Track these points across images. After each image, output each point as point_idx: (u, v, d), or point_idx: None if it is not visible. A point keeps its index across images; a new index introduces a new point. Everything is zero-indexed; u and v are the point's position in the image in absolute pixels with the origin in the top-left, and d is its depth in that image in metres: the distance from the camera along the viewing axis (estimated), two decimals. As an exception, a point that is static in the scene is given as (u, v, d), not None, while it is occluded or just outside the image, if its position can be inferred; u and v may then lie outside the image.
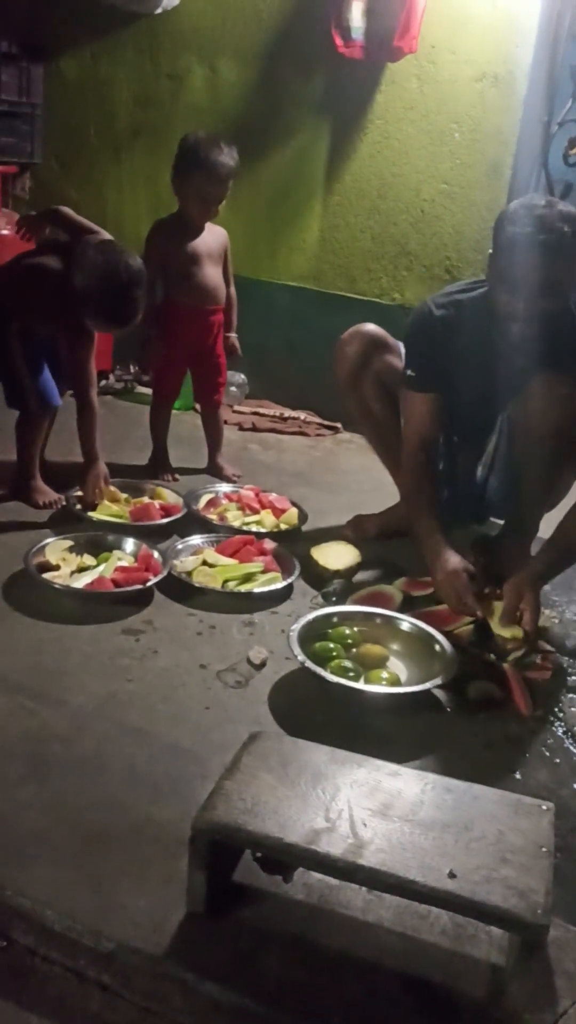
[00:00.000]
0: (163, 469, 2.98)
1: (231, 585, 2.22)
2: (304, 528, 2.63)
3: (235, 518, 2.60)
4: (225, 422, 3.21)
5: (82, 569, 2.18)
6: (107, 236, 2.52)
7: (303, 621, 1.97)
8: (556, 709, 1.90)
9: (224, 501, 2.71)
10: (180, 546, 2.36)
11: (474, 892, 1.09)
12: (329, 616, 2.05)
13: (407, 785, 1.28)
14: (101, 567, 2.18)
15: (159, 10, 3.61)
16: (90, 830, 1.38)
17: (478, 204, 3.48)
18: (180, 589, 2.19)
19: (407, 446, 2.36)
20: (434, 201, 3.54)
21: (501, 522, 2.56)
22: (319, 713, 1.78)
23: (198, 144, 2.67)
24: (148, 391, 3.40)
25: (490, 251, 2.11)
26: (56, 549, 2.23)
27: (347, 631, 2.01)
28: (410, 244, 3.62)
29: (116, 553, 2.26)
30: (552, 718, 1.86)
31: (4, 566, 2.18)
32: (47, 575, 2.12)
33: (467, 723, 1.82)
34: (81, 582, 2.11)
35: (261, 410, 3.80)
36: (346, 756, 1.33)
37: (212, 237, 2.85)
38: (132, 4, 3.62)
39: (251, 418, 3.72)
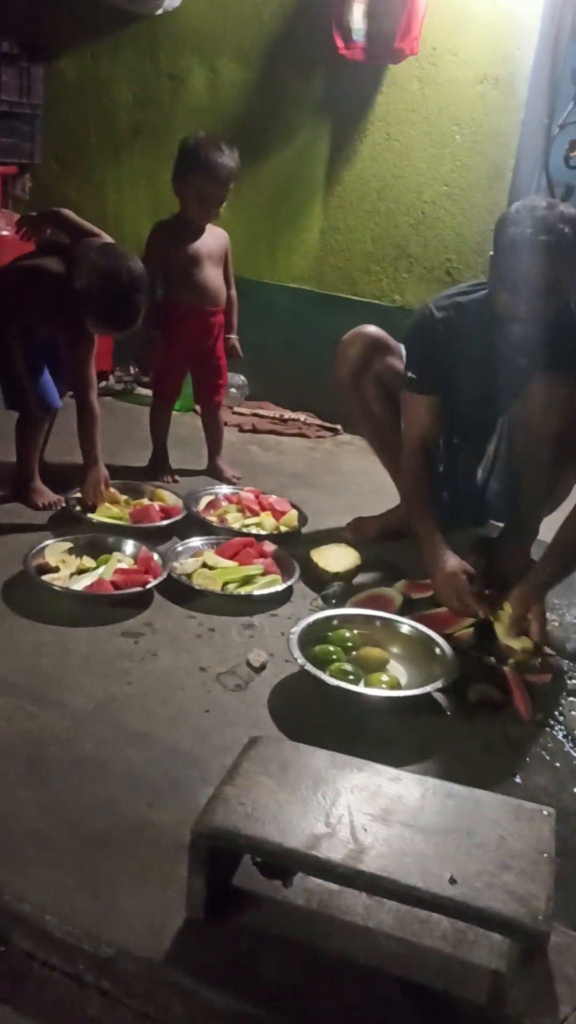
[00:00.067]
0: (163, 471, 2.98)
1: (231, 587, 2.21)
2: (304, 530, 2.63)
3: (235, 520, 2.59)
4: (225, 423, 3.20)
5: (81, 571, 2.18)
6: (108, 239, 2.52)
7: (303, 624, 1.97)
8: (556, 712, 1.89)
9: (224, 503, 2.70)
10: (180, 548, 2.36)
11: (475, 898, 1.09)
12: (329, 619, 2.04)
13: (408, 790, 1.27)
14: (101, 569, 2.18)
15: (160, 11, 3.61)
16: (89, 833, 1.37)
17: (479, 206, 3.48)
18: (180, 591, 2.18)
19: (407, 447, 2.35)
20: (435, 203, 3.54)
21: (501, 524, 2.56)
22: (319, 716, 1.78)
23: (198, 145, 2.67)
24: (148, 392, 3.39)
25: (491, 253, 2.11)
26: (56, 551, 2.22)
27: (347, 634, 2.01)
28: (411, 246, 3.62)
29: (116, 555, 2.26)
30: (552, 721, 1.86)
31: (3, 568, 2.18)
32: (46, 577, 2.12)
33: (467, 726, 1.81)
34: (80, 584, 2.11)
35: (261, 411, 3.79)
36: (346, 760, 1.33)
37: (213, 239, 2.85)
38: (133, 5, 3.62)
39: (251, 419, 3.71)
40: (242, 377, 3.83)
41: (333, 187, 3.67)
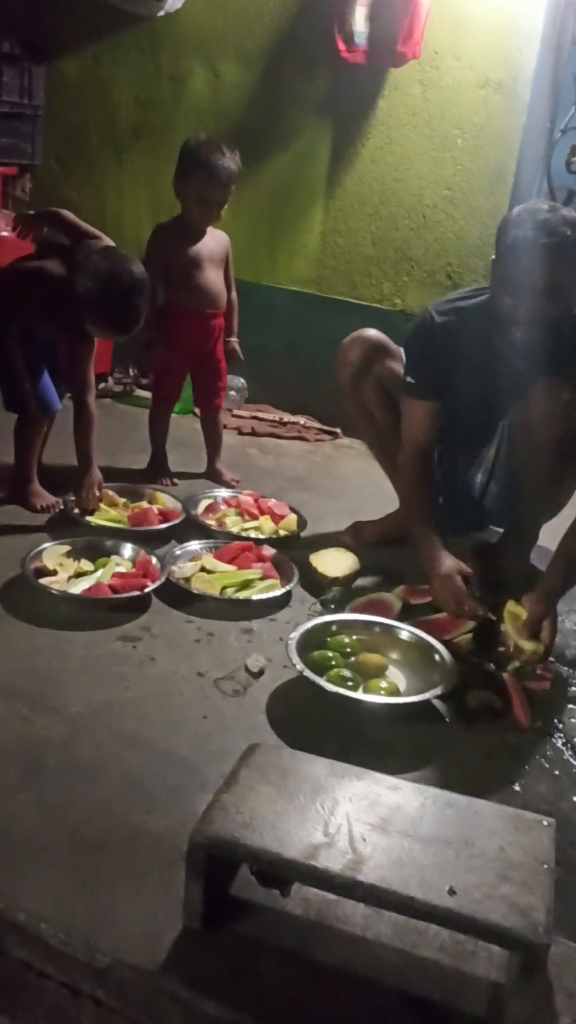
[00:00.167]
0: (162, 473, 2.97)
1: (229, 592, 2.20)
2: (303, 534, 2.62)
3: (234, 524, 2.58)
4: (224, 426, 3.20)
5: (79, 574, 2.17)
6: (108, 241, 2.51)
7: (302, 629, 1.96)
8: (556, 720, 1.88)
9: (223, 506, 2.69)
10: (178, 552, 2.35)
11: (474, 910, 1.08)
12: (328, 624, 2.03)
13: (407, 799, 1.26)
14: (99, 572, 2.17)
15: (162, 12, 3.60)
16: (86, 840, 1.36)
17: (480, 210, 3.48)
18: (178, 595, 2.17)
19: (404, 452, 2.36)
20: (436, 207, 3.54)
21: (501, 530, 2.55)
22: (317, 722, 1.77)
23: (200, 147, 2.66)
24: (147, 394, 3.39)
25: (492, 257, 2.10)
26: (53, 554, 2.21)
27: (346, 640, 2.00)
28: (412, 249, 3.62)
29: (114, 558, 2.25)
30: (552, 729, 1.85)
31: (1, 571, 2.17)
32: (44, 580, 2.11)
33: (466, 733, 1.80)
34: (78, 587, 2.10)
35: (260, 414, 3.79)
36: (345, 769, 1.32)
37: (214, 241, 2.85)
38: (134, 6, 3.61)
39: (250, 422, 3.70)
40: (241, 380, 3.83)
41: (334, 190, 3.67)
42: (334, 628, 2.03)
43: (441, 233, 3.56)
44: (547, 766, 1.73)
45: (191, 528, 2.54)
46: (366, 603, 2.20)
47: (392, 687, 1.86)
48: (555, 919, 1.11)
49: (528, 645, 1.95)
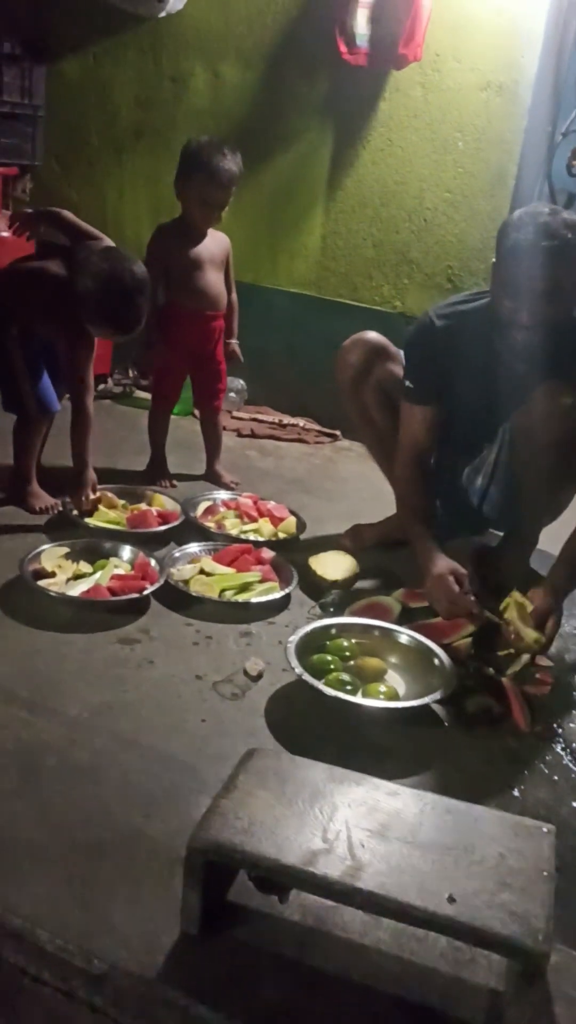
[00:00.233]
0: (161, 475, 2.96)
1: (228, 594, 2.20)
2: (302, 537, 2.61)
3: (233, 526, 2.58)
4: (224, 428, 3.19)
5: (78, 576, 2.16)
6: (109, 242, 2.50)
7: (301, 633, 1.95)
8: (555, 725, 1.88)
9: (222, 509, 2.69)
10: (177, 554, 2.34)
11: (474, 918, 1.07)
12: (327, 628, 2.03)
13: (406, 805, 1.25)
14: (97, 575, 2.16)
15: (163, 13, 3.60)
16: (83, 845, 1.35)
17: (481, 213, 3.47)
18: (177, 598, 2.16)
19: (401, 456, 2.36)
20: (437, 209, 3.53)
21: (501, 534, 2.54)
22: (316, 726, 1.76)
23: (201, 149, 2.66)
24: (147, 395, 3.38)
25: (493, 260, 2.10)
26: (52, 556, 2.21)
27: (345, 643, 1.99)
28: (412, 252, 3.61)
29: (113, 560, 2.24)
30: (551, 734, 1.84)
31: (-1, 572, 2.17)
32: (42, 582, 2.10)
33: (465, 738, 1.80)
34: (77, 590, 2.09)
35: (260, 416, 3.78)
36: (345, 774, 1.31)
37: (214, 243, 2.84)
38: (135, 7, 3.61)
39: (250, 424, 3.70)
40: (241, 381, 3.82)
41: (335, 192, 3.66)
42: (333, 632, 2.03)
43: (442, 236, 3.56)
44: (546, 771, 1.72)
45: (190, 530, 2.53)
46: (365, 606, 2.20)
47: (391, 691, 1.85)
48: (554, 926, 1.10)
49: (531, 633, 1.96)
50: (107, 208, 3.95)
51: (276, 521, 2.63)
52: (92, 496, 2.51)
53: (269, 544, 2.47)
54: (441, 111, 3.44)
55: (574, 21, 3.16)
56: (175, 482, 2.96)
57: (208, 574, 2.26)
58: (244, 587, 2.23)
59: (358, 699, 1.79)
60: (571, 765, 1.75)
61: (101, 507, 2.52)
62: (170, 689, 1.82)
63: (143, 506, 2.60)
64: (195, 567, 2.28)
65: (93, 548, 2.30)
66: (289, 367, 3.80)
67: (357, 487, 3.14)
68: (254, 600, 2.18)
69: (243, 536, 2.52)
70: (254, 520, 2.62)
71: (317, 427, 3.76)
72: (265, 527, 2.59)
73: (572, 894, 1.36)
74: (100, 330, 2.40)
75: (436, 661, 1.93)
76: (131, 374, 3.85)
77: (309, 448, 3.59)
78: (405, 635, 2.02)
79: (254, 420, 3.75)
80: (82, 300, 2.31)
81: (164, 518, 2.54)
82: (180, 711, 1.75)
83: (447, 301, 2.32)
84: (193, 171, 2.67)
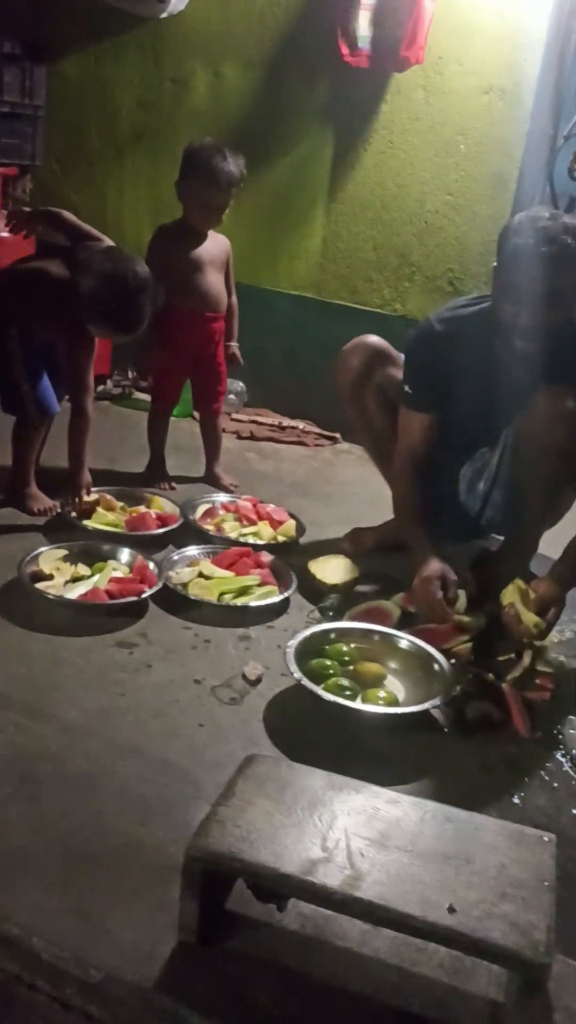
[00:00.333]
0: (160, 477, 2.95)
1: (227, 598, 2.18)
2: (302, 540, 2.60)
3: (232, 529, 2.57)
4: (223, 430, 3.18)
5: (76, 579, 2.15)
6: (109, 242, 2.49)
7: (300, 637, 1.94)
8: (555, 731, 1.87)
9: (221, 511, 2.68)
10: (176, 557, 2.33)
11: (474, 929, 1.06)
12: (326, 632, 2.02)
13: (406, 813, 1.25)
14: (95, 577, 2.15)
15: (164, 14, 3.59)
16: (80, 852, 1.34)
17: (482, 216, 3.46)
18: (175, 601, 2.15)
19: (399, 460, 2.36)
20: (438, 212, 3.52)
21: (502, 538, 2.53)
22: (315, 732, 1.75)
23: (202, 150, 2.65)
24: (146, 397, 3.37)
25: (494, 264, 2.09)
26: (50, 558, 2.19)
27: (344, 648, 1.98)
28: (413, 255, 3.60)
29: (111, 563, 2.23)
30: (551, 741, 1.83)
31: (-3, 575, 2.15)
32: (40, 585, 2.09)
33: (465, 744, 1.79)
34: (75, 592, 2.08)
35: (259, 419, 3.77)
36: (344, 782, 1.30)
37: (215, 245, 2.83)
38: (136, 7, 3.60)
39: (249, 427, 3.69)
40: (241, 384, 3.81)
41: (336, 194, 3.65)
42: (332, 636, 2.02)
43: (443, 239, 3.55)
44: (546, 778, 1.71)
45: (189, 533, 2.52)
46: (365, 611, 2.19)
47: (390, 697, 1.84)
48: (555, 936, 1.09)
49: (532, 617, 1.96)
50: (107, 209, 3.94)
51: (275, 524, 2.62)
52: (86, 498, 2.50)
53: (268, 547, 2.46)
54: (443, 114, 3.43)
55: (576, 25, 3.16)
56: (174, 484, 2.94)
57: (207, 577, 2.25)
58: (243, 591, 2.22)
59: (357, 704, 1.78)
60: (571, 772, 1.74)
61: (99, 509, 2.51)
62: (168, 694, 1.81)
63: (142, 508, 2.59)
64: (194, 570, 2.27)
65: (91, 550, 2.28)
66: (289, 369, 3.78)
67: (357, 490, 3.13)
68: (253, 604, 2.16)
69: (242, 539, 2.50)
70: (253, 523, 2.61)
71: (317, 430, 3.75)
72: (264, 530, 2.57)
73: (573, 904, 1.35)
74: (102, 330, 2.39)
75: (436, 666, 1.92)
76: (130, 375, 3.84)
77: (309, 451, 3.58)
78: (405, 640, 2.01)
79: (253, 422, 3.73)
80: (84, 300, 2.30)
81: (163, 521, 2.53)
82: (178, 716, 1.74)
83: (448, 306, 2.31)
84: (193, 173, 2.66)
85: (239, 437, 3.59)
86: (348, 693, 1.80)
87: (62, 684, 1.79)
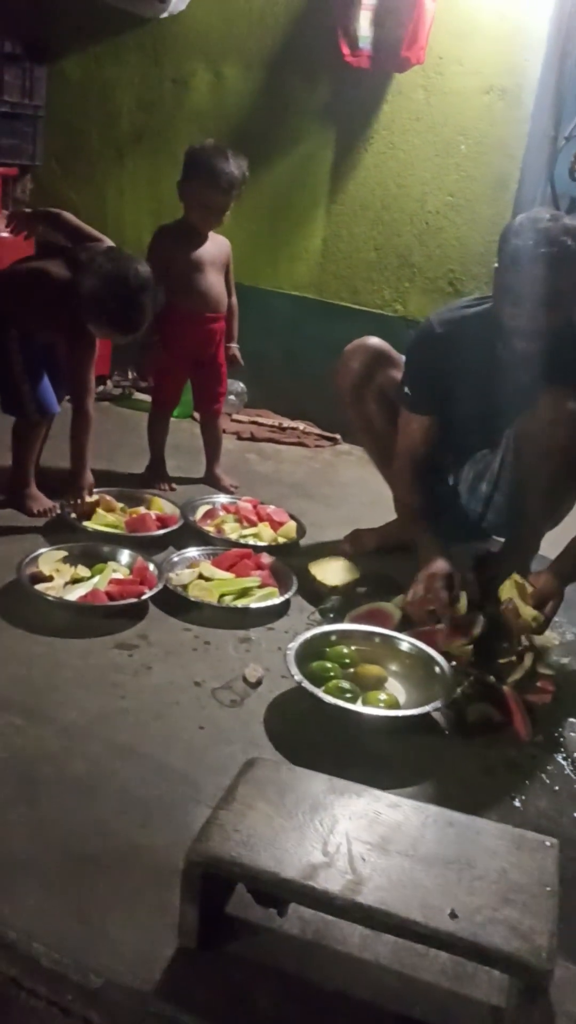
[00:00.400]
0: (160, 478, 2.95)
1: (227, 600, 2.18)
2: (302, 542, 2.59)
3: (232, 530, 2.56)
4: (223, 431, 3.17)
5: (76, 580, 2.14)
6: (110, 243, 2.49)
7: (300, 639, 1.93)
8: (556, 734, 1.86)
9: (221, 513, 2.67)
10: (176, 558, 2.32)
11: (476, 934, 1.06)
12: (327, 634, 2.01)
13: (407, 817, 1.24)
14: (95, 579, 2.14)
15: (165, 14, 3.58)
16: (79, 856, 1.34)
17: (483, 217, 3.46)
18: (175, 603, 2.15)
19: (400, 461, 2.36)
20: (439, 213, 3.52)
21: (503, 540, 2.53)
22: (315, 734, 1.75)
23: (204, 152, 2.65)
24: (146, 398, 3.37)
25: (495, 265, 2.09)
26: (50, 560, 2.18)
27: (345, 650, 1.97)
28: (414, 256, 3.60)
29: (111, 565, 2.22)
30: (552, 744, 1.83)
31: (-4, 576, 2.15)
32: (40, 586, 2.08)
33: (466, 747, 1.78)
34: (75, 594, 2.07)
35: (260, 419, 3.77)
36: (345, 786, 1.29)
37: (215, 246, 2.83)
38: (137, 8, 3.59)
39: (250, 427, 3.68)
40: (241, 384, 3.81)
41: (336, 195, 3.65)
42: (333, 638, 2.01)
43: (443, 240, 3.54)
44: (547, 781, 1.71)
45: (189, 534, 2.51)
46: (365, 612, 2.18)
47: (391, 699, 1.83)
48: (557, 941, 1.08)
49: (529, 611, 1.96)
50: (107, 209, 3.93)
51: (276, 525, 2.61)
52: (88, 499, 2.49)
53: (269, 549, 2.45)
54: (443, 115, 3.42)
55: (578, 25, 3.15)
56: (174, 485, 2.94)
57: (207, 579, 2.24)
58: (243, 592, 2.21)
59: (358, 707, 1.77)
60: (572, 775, 1.73)
61: (99, 510, 2.50)
62: (168, 696, 1.80)
63: (142, 510, 2.58)
64: (194, 572, 2.27)
65: (91, 552, 2.28)
66: (289, 370, 3.78)
67: (357, 492, 3.12)
68: (253, 605, 2.16)
69: (242, 540, 2.50)
70: (254, 524, 2.60)
71: (317, 431, 3.74)
72: (265, 531, 2.57)
73: (574, 907, 1.34)
74: (103, 331, 2.39)
75: (437, 669, 1.91)
76: (130, 376, 3.83)
77: (309, 452, 3.58)
78: (406, 642, 2.00)
79: (254, 423, 3.73)
80: (86, 300, 2.29)
81: (163, 522, 2.52)
82: (178, 718, 1.73)
83: (449, 307, 2.31)
84: (195, 173, 2.65)
85: (239, 438, 3.58)
86: (349, 696, 1.80)
87: (62, 686, 1.79)
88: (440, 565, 2.12)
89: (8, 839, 1.35)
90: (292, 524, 2.63)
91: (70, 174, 4.02)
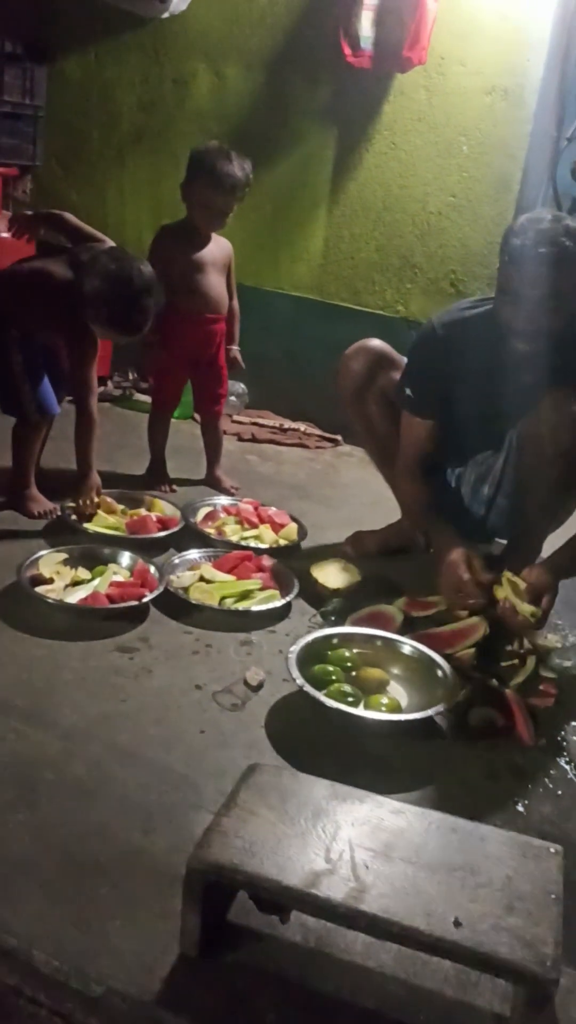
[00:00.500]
0: (161, 480, 2.94)
1: (228, 602, 2.17)
2: (303, 544, 2.58)
3: (233, 532, 2.55)
4: (224, 432, 3.16)
5: (76, 583, 2.13)
6: (111, 243, 2.48)
7: (302, 642, 1.92)
8: (559, 738, 1.85)
9: (222, 514, 2.66)
10: (177, 561, 2.31)
11: (480, 943, 1.05)
12: (329, 637, 2.00)
13: (411, 824, 1.23)
14: (96, 581, 2.13)
15: (166, 14, 3.58)
16: (80, 862, 1.33)
17: (485, 218, 3.45)
18: (176, 605, 2.14)
19: (404, 462, 2.35)
20: (440, 214, 3.51)
21: (505, 542, 2.52)
22: (317, 738, 1.73)
23: (207, 153, 2.64)
24: (147, 399, 3.36)
25: (498, 265, 2.08)
26: (50, 562, 2.17)
27: (347, 653, 1.96)
28: (415, 257, 3.59)
29: (111, 567, 2.21)
30: (555, 748, 1.81)
31: (-4, 578, 2.14)
32: (40, 589, 2.07)
33: (469, 751, 1.77)
34: (75, 597, 2.06)
35: (261, 421, 3.76)
36: (348, 791, 1.28)
37: (217, 247, 2.82)
38: (138, 7, 3.58)
39: (250, 428, 3.67)
40: (242, 385, 3.80)
41: (338, 195, 3.64)
42: (335, 641, 2.00)
43: (445, 240, 3.53)
44: (551, 786, 1.70)
45: (190, 536, 2.50)
46: (367, 615, 2.17)
47: (393, 703, 1.82)
48: (561, 950, 1.07)
49: (527, 608, 1.95)
50: (108, 210, 3.92)
51: (277, 527, 2.60)
52: (95, 500, 2.48)
53: (270, 551, 2.44)
54: (445, 115, 3.42)
55: (580, 26, 3.14)
56: (175, 487, 2.93)
57: (208, 581, 2.23)
58: (244, 595, 2.20)
59: (360, 711, 1.76)
60: (576, 780, 1.72)
61: (100, 512, 2.49)
62: (169, 699, 1.79)
63: (142, 511, 2.58)
64: (195, 574, 2.25)
65: (92, 554, 2.27)
66: (290, 371, 3.77)
67: (358, 493, 3.11)
68: (254, 608, 2.15)
69: (243, 543, 2.49)
70: (255, 526, 2.59)
71: (318, 432, 3.73)
72: (266, 534, 2.56)
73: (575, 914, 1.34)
74: (106, 331, 2.38)
75: (439, 672, 1.90)
76: (131, 377, 3.82)
77: (310, 453, 3.57)
78: (408, 645, 1.99)
79: (255, 424, 3.72)
80: (89, 301, 2.28)
81: (164, 524, 2.51)
82: (179, 722, 1.72)
83: (451, 308, 2.29)
84: (198, 174, 2.64)
85: (240, 439, 3.57)
86: (351, 699, 1.79)
87: (62, 689, 1.78)
88: (456, 553, 2.11)
89: (8, 844, 1.34)
90: (293, 526, 2.62)
91: (70, 174, 4.02)
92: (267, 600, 2.19)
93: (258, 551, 2.41)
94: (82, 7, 3.72)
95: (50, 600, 2.03)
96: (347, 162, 3.59)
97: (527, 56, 3.25)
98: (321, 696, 1.75)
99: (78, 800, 1.45)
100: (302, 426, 3.75)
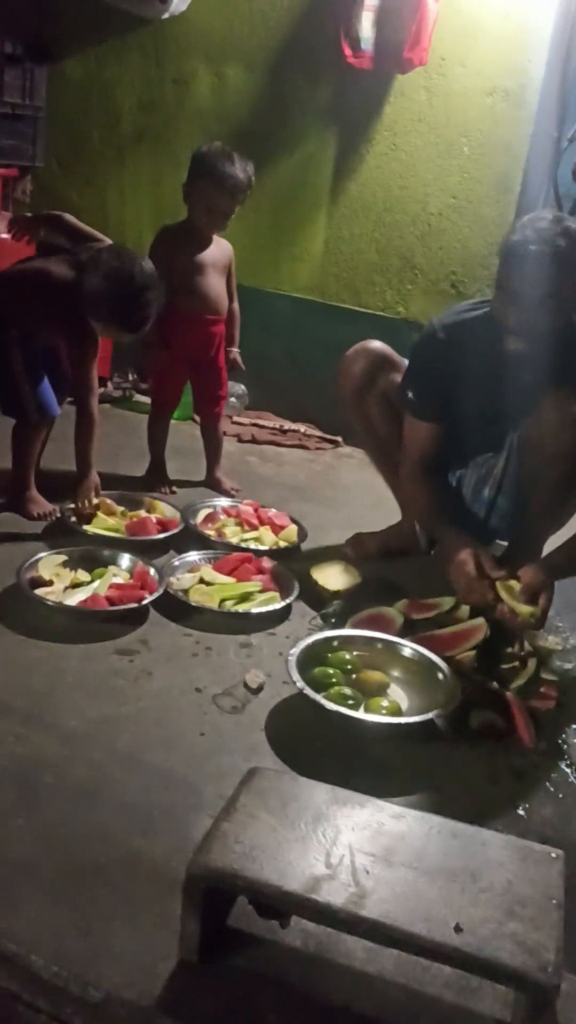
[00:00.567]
0: (160, 481, 2.93)
1: (228, 604, 2.16)
2: (303, 545, 2.58)
3: (233, 534, 2.55)
4: (224, 433, 3.16)
5: (76, 585, 2.13)
6: (111, 244, 2.47)
7: (302, 645, 1.92)
8: (560, 741, 1.85)
9: (222, 516, 2.66)
10: (177, 563, 2.31)
11: (481, 948, 1.04)
12: (329, 640, 1.99)
13: (411, 828, 1.22)
14: (95, 583, 2.13)
15: (166, 15, 3.57)
16: (80, 865, 1.32)
17: (486, 219, 3.45)
18: (176, 608, 2.13)
19: (407, 465, 2.35)
20: (441, 215, 3.51)
21: (505, 544, 2.52)
22: (317, 741, 1.73)
23: (210, 154, 2.64)
24: (147, 400, 3.35)
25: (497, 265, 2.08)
26: (49, 564, 2.17)
27: (347, 656, 1.96)
28: (416, 257, 3.59)
29: (111, 569, 2.21)
30: (556, 750, 1.81)
31: (-4, 580, 2.13)
32: (39, 591, 2.06)
33: (469, 754, 1.76)
34: (74, 599, 2.06)
35: (261, 422, 3.75)
36: (348, 796, 1.28)
37: (218, 249, 2.82)
38: (138, 8, 3.58)
39: (251, 430, 3.67)
40: (242, 386, 3.79)
41: (338, 196, 3.64)
42: (335, 644, 1.99)
43: (446, 241, 3.53)
44: (552, 789, 1.69)
45: (190, 538, 2.50)
46: (367, 617, 2.16)
47: (394, 706, 1.82)
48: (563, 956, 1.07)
49: (525, 608, 1.95)
50: (108, 210, 3.92)
51: (277, 529, 2.60)
52: (95, 501, 2.48)
53: (270, 553, 2.43)
54: (446, 116, 3.41)
55: (581, 26, 3.14)
56: (175, 488, 2.92)
57: (208, 583, 2.22)
58: (244, 597, 2.20)
59: (360, 714, 1.75)
60: (577, 783, 1.72)
61: (100, 514, 2.49)
62: (169, 702, 1.79)
63: (142, 513, 2.57)
64: (195, 576, 2.25)
65: (91, 556, 2.26)
66: (290, 372, 3.77)
67: (359, 494, 3.11)
68: (254, 610, 2.14)
69: (244, 544, 2.49)
70: (255, 528, 2.59)
71: (318, 433, 3.73)
72: (266, 535, 2.56)
73: (578, 919, 1.33)
74: (108, 329, 2.38)
75: (440, 675, 1.90)
76: (131, 377, 3.82)
77: (310, 454, 3.56)
78: (408, 648, 1.98)
79: (255, 425, 3.71)
80: (90, 298, 2.28)
81: (163, 525, 2.51)
82: (179, 725, 1.72)
83: (452, 310, 2.29)
84: (200, 176, 2.64)
85: (240, 440, 3.57)
86: (351, 702, 1.78)
87: (62, 692, 1.77)
88: (465, 552, 2.10)
89: (8, 848, 1.33)
90: (293, 528, 2.62)
91: (71, 175, 4.01)
92: (267, 602, 2.18)
93: (258, 553, 2.41)
94: (82, 7, 3.71)
95: (49, 602, 2.03)
96: (348, 163, 3.59)
97: (528, 57, 3.24)
98: (321, 699, 1.75)
99: (78, 803, 1.45)
100: (302, 427, 3.75)
